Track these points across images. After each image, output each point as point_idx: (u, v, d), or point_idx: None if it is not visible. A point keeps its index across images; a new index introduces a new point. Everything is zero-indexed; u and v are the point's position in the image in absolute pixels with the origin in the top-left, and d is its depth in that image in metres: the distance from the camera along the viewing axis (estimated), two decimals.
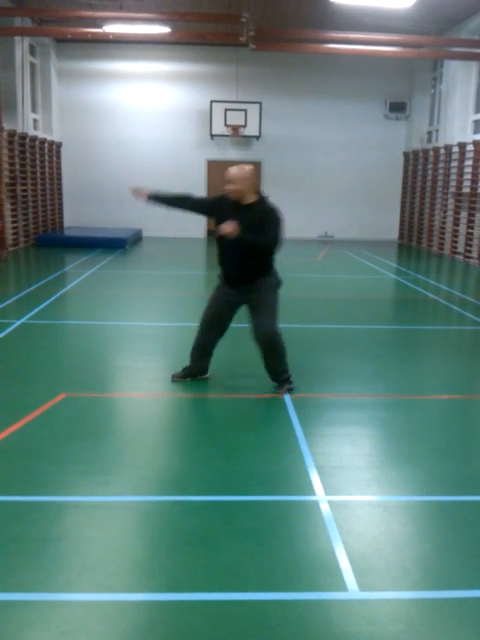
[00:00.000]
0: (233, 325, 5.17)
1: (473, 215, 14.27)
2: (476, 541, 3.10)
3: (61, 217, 18.47)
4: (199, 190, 18.67)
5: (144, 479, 3.67)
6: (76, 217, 18.71)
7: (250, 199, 4.78)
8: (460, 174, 14.96)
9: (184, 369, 5.31)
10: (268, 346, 5.00)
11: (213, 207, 5.02)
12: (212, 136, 18.07)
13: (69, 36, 14.16)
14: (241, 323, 5.42)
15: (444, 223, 16.02)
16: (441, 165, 16.21)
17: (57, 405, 4.78)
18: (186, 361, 5.32)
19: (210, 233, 18.86)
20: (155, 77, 18.17)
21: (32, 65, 16.67)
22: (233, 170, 4.78)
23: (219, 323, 5.07)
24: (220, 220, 4.66)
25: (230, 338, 5.37)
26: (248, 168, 4.81)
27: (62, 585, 2.70)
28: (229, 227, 4.52)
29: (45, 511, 3.29)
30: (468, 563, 2.92)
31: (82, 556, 2.90)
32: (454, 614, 2.58)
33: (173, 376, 5.31)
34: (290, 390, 5.12)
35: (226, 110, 17.65)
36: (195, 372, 5.30)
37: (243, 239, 4.59)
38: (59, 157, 18.14)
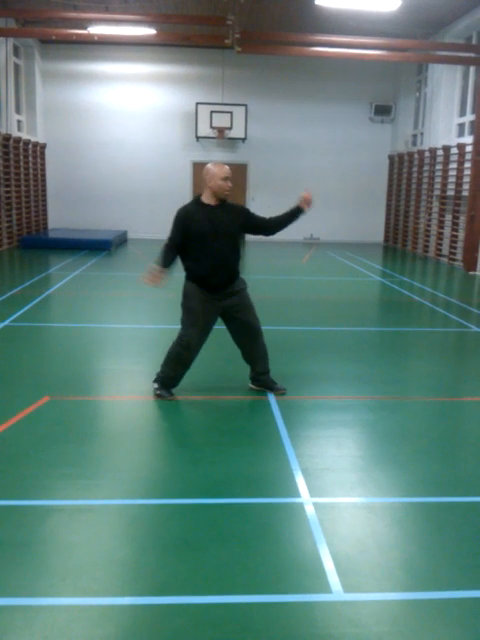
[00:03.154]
0: (217, 327, 5.14)
1: (457, 218, 14.37)
2: (460, 542, 3.11)
3: (45, 219, 18.37)
4: (185, 191, 18.65)
5: (129, 482, 3.65)
6: (61, 219, 18.62)
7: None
8: (445, 177, 15.05)
9: (163, 385, 5.05)
10: (262, 344, 5.07)
11: (185, 227, 4.72)
12: (198, 138, 18.06)
13: (54, 37, 14.09)
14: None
15: (429, 226, 16.11)
16: (426, 168, 16.31)
17: (41, 408, 4.74)
18: None
19: None
20: (140, 79, 18.14)
21: (16, 66, 16.57)
22: (228, 168, 4.70)
23: (207, 336, 4.98)
24: (198, 226, 4.65)
25: (215, 341, 5.36)
26: None
27: (46, 590, 2.68)
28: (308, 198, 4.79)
29: (29, 515, 3.26)
30: (452, 564, 2.93)
31: (66, 560, 2.88)
32: (438, 615, 2.59)
33: (160, 396, 5.03)
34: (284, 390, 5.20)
35: (212, 112, 17.65)
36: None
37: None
38: (43, 158, 18.05)
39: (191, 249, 4.75)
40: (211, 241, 4.69)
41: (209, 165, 4.74)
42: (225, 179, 4.65)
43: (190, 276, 4.84)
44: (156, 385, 5.06)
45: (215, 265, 4.75)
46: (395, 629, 2.49)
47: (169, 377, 5.02)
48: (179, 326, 4.93)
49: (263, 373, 5.17)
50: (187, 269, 4.86)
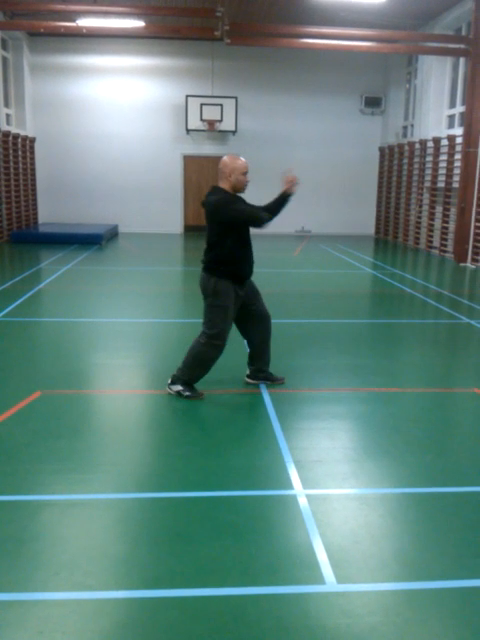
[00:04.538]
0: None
1: (448, 209, 14.40)
2: (452, 532, 3.13)
3: (35, 213, 18.27)
4: (175, 185, 18.63)
5: (122, 476, 3.65)
6: (51, 213, 18.52)
7: None
8: (435, 169, 15.07)
9: (189, 386, 4.91)
10: (270, 330, 5.07)
11: None
12: (188, 131, 17.99)
13: (42, 30, 13.97)
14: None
15: (419, 217, 16.14)
16: (416, 160, 16.32)
17: (32, 403, 4.73)
18: (164, 357, 5.29)
19: (187, 229, 18.86)
20: (130, 71, 18.02)
21: (4, 59, 16.44)
22: (246, 161, 4.70)
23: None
24: None
25: None
26: None
27: (39, 584, 2.68)
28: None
29: (21, 510, 3.25)
30: (445, 554, 2.95)
31: (59, 555, 2.88)
32: (431, 605, 2.60)
33: (190, 396, 4.87)
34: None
35: (202, 105, 17.58)
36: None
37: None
38: (33, 152, 17.93)
39: (235, 239, 4.67)
40: (247, 230, 4.76)
41: (226, 158, 4.65)
42: (245, 174, 4.64)
43: (226, 271, 4.66)
44: (180, 387, 4.86)
45: (250, 254, 4.83)
46: (388, 619, 2.50)
47: (197, 377, 4.90)
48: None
49: (267, 363, 5.19)
50: (225, 263, 4.65)
